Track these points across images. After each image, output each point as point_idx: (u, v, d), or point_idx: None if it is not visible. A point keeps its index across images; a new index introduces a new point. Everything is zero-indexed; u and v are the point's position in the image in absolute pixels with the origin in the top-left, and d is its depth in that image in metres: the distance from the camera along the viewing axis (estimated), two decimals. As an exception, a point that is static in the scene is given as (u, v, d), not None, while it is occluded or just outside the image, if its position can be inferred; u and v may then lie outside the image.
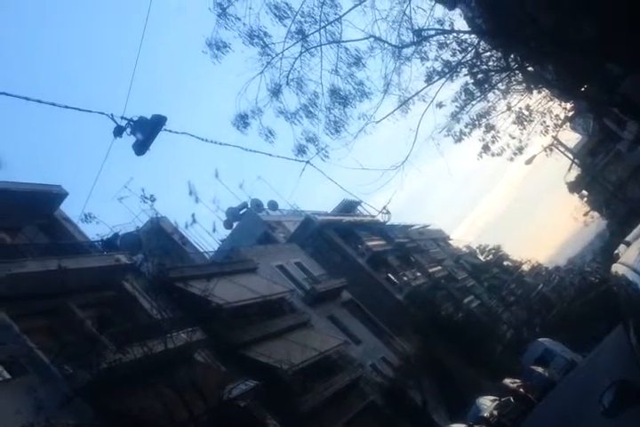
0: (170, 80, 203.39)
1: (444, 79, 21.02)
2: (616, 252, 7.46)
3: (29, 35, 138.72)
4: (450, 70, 20.86)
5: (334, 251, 40.69)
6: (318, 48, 19.07)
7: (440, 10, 20.36)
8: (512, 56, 20.18)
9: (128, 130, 8.65)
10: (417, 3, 19.61)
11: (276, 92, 19.23)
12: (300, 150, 19.63)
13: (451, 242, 69.63)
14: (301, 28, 18.64)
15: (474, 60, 21.13)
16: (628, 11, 13.76)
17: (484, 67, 21.62)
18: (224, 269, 25.68)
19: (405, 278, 44.39)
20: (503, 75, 22.11)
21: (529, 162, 34.01)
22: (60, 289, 15.71)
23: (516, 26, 16.93)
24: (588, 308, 43.07)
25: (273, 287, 28.28)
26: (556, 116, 25.69)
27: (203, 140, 10.02)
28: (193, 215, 31.43)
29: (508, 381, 30.36)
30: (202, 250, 30.77)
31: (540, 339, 39.16)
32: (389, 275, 43.13)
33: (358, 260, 41.25)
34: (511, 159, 25.79)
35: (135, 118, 8.66)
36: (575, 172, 43.51)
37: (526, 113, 24.35)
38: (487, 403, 26.80)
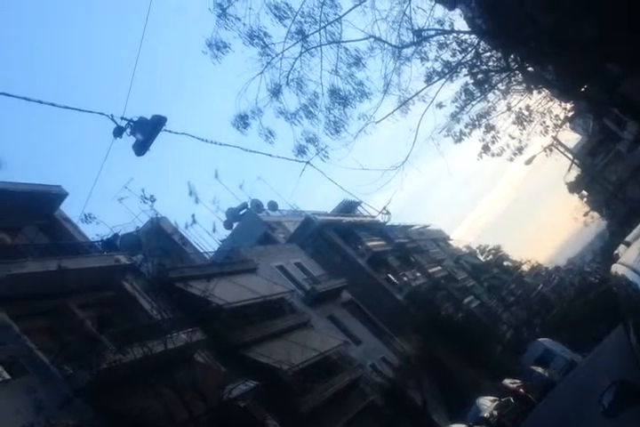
0: (170, 80, 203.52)
1: (443, 79, 21.03)
2: (616, 252, 7.47)
3: (29, 35, 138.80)
4: (450, 70, 20.87)
5: (334, 251, 40.70)
6: (318, 48, 19.08)
7: (440, 10, 20.37)
8: (512, 56, 20.18)
9: (128, 130, 8.66)
10: (417, 3, 19.63)
11: (275, 92, 19.24)
12: (300, 151, 19.64)
13: (451, 242, 69.66)
14: (301, 29, 18.65)
15: (474, 61, 21.13)
16: (628, 11, 13.76)
17: (484, 67, 21.63)
18: (224, 270, 25.68)
19: (405, 279, 44.41)
20: (503, 75, 22.12)
21: (529, 162, 34.04)
22: (59, 289, 15.71)
23: (516, 26, 16.93)
24: (587, 308, 43.09)
25: (273, 288, 28.29)
26: (556, 116, 25.73)
27: (203, 140, 10.03)
28: (193, 216, 31.51)
29: (507, 381, 30.38)
30: (202, 250, 30.81)
31: (539, 339, 39.16)
32: (389, 275, 43.15)
33: (358, 260, 41.26)
34: (511, 159, 25.81)
35: (135, 119, 8.66)
36: (575, 172, 43.54)
37: (526, 113, 24.37)
38: (487, 403, 26.81)
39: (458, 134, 23.24)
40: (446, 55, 20.72)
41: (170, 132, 9.02)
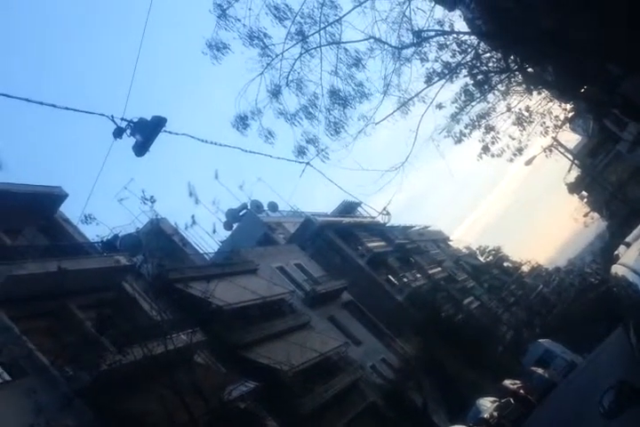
0: (170, 81, 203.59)
1: (443, 80, 21.10)
2: (616, 253, 7.48)
3: (30, 36, 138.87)
4: (450, 71, 20.90)
5: (334, 252, 40.68)
6: (318, 49, 19.13)
7: (440, 11, 20.44)
8: (512, 57, 20.20)
9: (128, 131, 8.68)
10: (417, 4, 19.70)
11: (275, 93, 19.28)
12: (300, 152, 19.69)
13: (451, 243, 69.64)
14: (301, 30, 18.70)
15: (474, 62, 21.17)
16: (628, 11, 13.75)
17: (484, 68, 21.67)
18: (224, 271, 25.65)
19: (405, 280, 44.37)
20: (503, 76, 22.15)
21: (529, 163, 34.07)
22: (59, 290, 15.69)
23: (516, 27, 16.93)
24: (588, 309, 43.09)
25: (273, 289, 28.27)
26: (556, 117, 25.87)
27: (202, 141, 10.05)
28: (193, 217, 31.32)
29: (507, 382, 30.38)
30: (202, 251, 30.76)
31: (540, 340, 39.19)
32: (389, 276, 43.11)
33: (358, 261, 41.23)
34: (511, 160, 25.93)
35: (135, 120, 8.69)
36: (575, 173, 43.57)
37: (526, 114, 24.48)
38: (487, 404, 26.84)
39: (458, 135, 23.34)
40: (446, 56, 20.80)
41: (170, 132, 9.04)
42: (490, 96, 23.43)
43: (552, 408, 19.67)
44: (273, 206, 44.16)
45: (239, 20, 17.98)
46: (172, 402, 14.18)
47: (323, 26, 18.60)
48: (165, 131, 8.89)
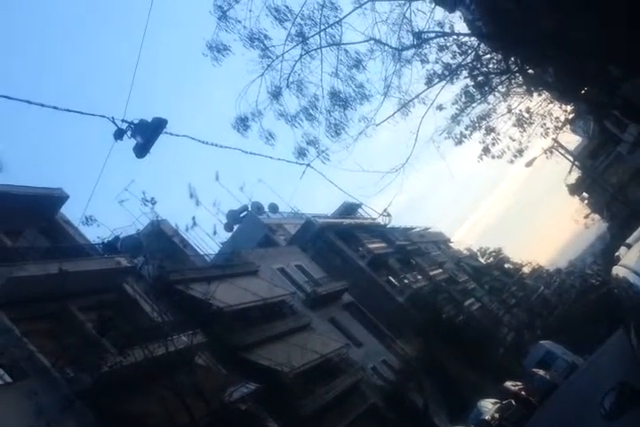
0: (170, 83, 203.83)
1: (444, 82, 21.11)
2: (617, 254, 7.47)
3: (30, 37, 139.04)
4: (450, 73, 20.91)
5: (335, 253, 40.67)
6: (318, 51, 19.16)
7: (440, 12, 20.45)
8: (512, 59, 20.22)
9: (129, 133, 8.68)
10: (417, 5, 19.73)
11: (276, 94, 19.30)
12: (301, 153, 19.71)
13: (451, 244, 69.61)
14: (302, 31, 18.73)
15: (474, 63, 21.18)
16: (629, 13, 13.76)
17: (485, 69, 21.68)
18: (225, 272, 25.63)
19: (406, 281, 44.34)
20: (503, 77, 22.17)
21: (529, 164, 34.05)
22: (60, 292, 15.67)
23: (516, 28, 16.95)
24: (588, 310, 43.07)
25: (274, 290, 28.25)
26: (557, 118, 25.87)
27: (203, 142, 10.06)
28: (193, 218, 31.22)
29: (509, 383, 30.34)
30: (202, 253, 30.76)
31: (541, 342, 39.14)
32: (390, 278, 43.07)
33: (359, 262, 41.21)
34: (512, 162, 25.94)
35: (136, 121, 8.69)
36: (576, 174, 43.60)
37: (526, 115, 24.48)
38: (488, 406, 26.81)
39: (458, 136, 23.33)
40: (446, 57, 20.83)
41: (170, 134, 9.06)
42: (490, 97, 23.46)
43: (553, 410, 19.64)
44: (273, 208, 44.18)
45: (239, 22, 18.04)
46: (172, 404, 14.17)
47: (323, 27, 18.65)
48: (166, 132, 8.90)
